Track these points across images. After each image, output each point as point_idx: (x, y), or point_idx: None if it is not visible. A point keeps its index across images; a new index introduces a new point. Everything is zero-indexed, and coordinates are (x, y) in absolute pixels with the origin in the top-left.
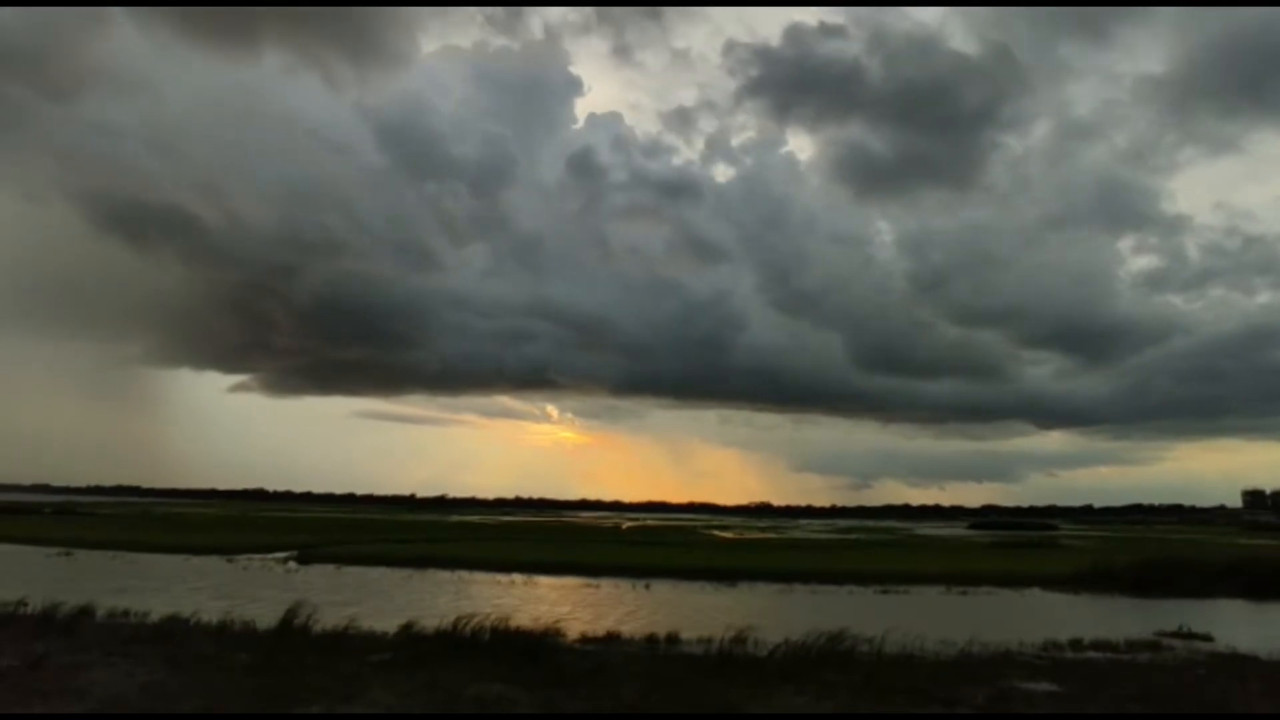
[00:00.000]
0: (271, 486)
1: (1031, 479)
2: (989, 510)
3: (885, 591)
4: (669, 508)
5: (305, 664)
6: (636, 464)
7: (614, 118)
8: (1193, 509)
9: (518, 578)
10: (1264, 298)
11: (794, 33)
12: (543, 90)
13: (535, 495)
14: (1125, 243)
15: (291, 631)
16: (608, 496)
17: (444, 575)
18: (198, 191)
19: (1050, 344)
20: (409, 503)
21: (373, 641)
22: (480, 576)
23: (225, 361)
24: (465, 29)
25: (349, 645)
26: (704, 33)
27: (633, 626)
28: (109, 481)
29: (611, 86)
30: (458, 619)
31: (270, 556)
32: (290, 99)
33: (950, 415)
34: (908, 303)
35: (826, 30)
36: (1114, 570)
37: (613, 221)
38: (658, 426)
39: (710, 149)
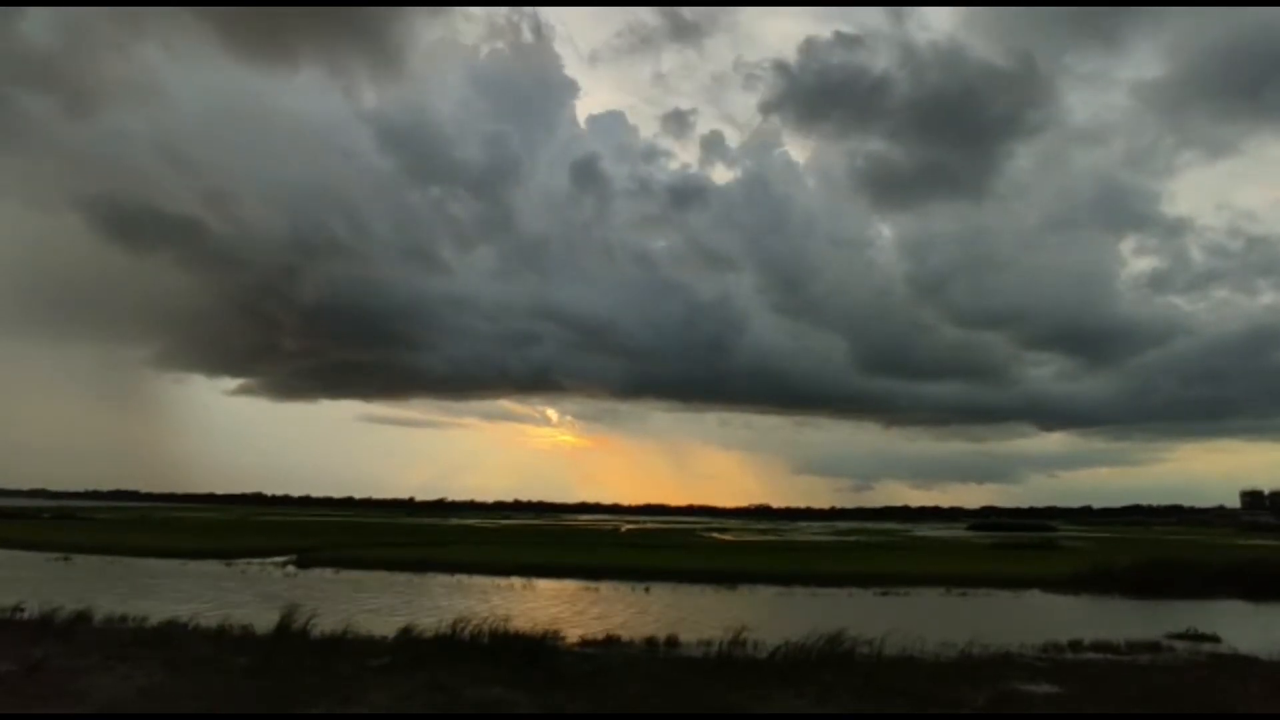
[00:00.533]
0: (270, 490)
1: (1031, 480)
2: (988, 511)
3: (885, 593)
4: (668, 510)
5: (304, 667)
6: (636, 467)
7: (618, 121)
8: (1191, 510)
9: (517, 581)
10: (1267, 299)
11: (807, 46)
12: (545, 91)
13: (534, 498)
14: (1127, 244)
15: (290, 635)
16: (607, 499)
17: (443, 578)
18: (201, 196)
19: (1052, 345)
20: (408, 506)
21: (372, 645)
22: (479, 579)
23: (226, 365)
24: (468, 30)
25: (348, 648)
26: (711, 34)
27: (632, 629)
28: (106, 486)
29: (614, 87)
30: (457, 622)
31: (269, 560)
32: (294, 103)
33: (953, 417)
34: (909, 305)
35: (844, 41)
36: (1114, 571)
37: (616, 224)
38: (658, 429)
39: (713, 152)
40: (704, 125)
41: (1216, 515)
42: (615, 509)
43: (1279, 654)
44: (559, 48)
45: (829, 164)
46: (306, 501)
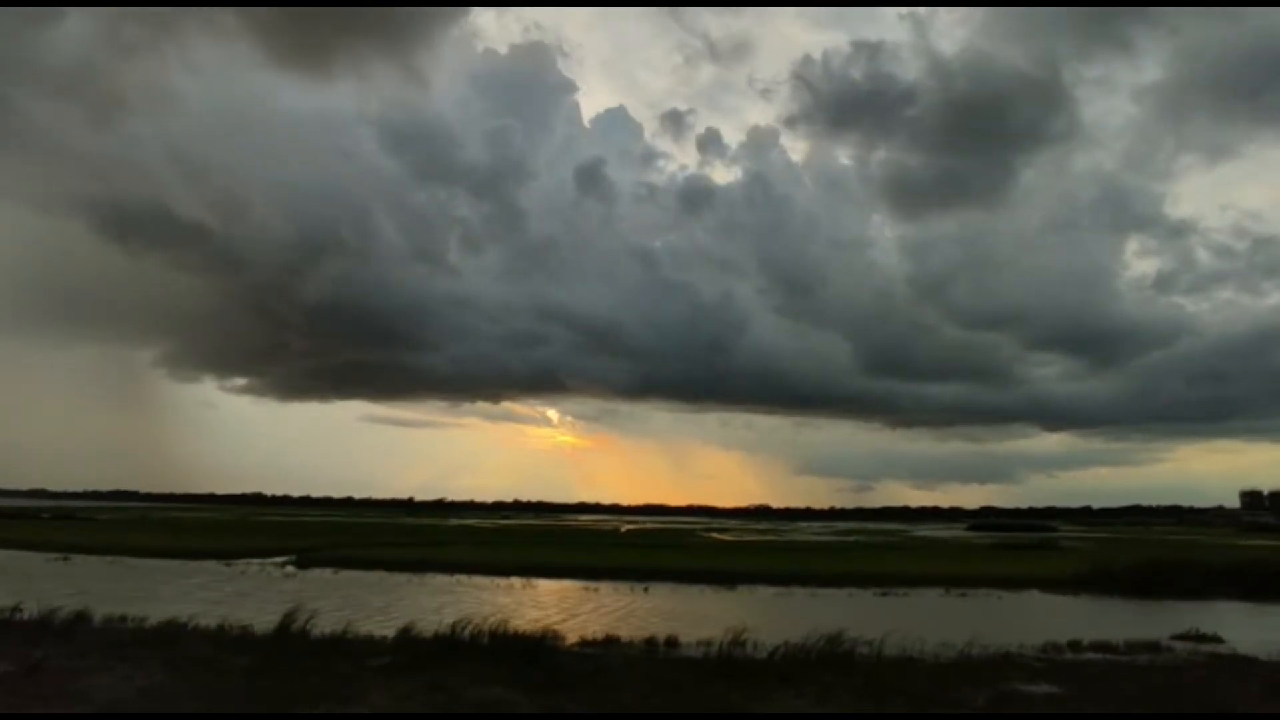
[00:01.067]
0: (270, 490)
1: (1031, 480)
2: (988, 512)
3: (884, 594)
4: (668, 510)
5: (304, 667)
6: (636, 467)
7: (621, 121)
8: (1191, 510)
9: (516, 581)
10: (1273, 299)
11: (823, 56)
12: (547, 92)
13: (534, 498)
14: (1130, 246)
15: (290, 635)
16: (607, 499)
17: (443, 579)
18: (205, 197)
19: (1055, 346)
20: (407, 506)
21: (371, 645)
22: (479, 580)
23: (231, 366)
24: (471, 30)
25: (347, 649)
26: (714, 34)
27: (632, 629)
28: (106, 486)
29: (617, 88)
30: (456, 622)
31: (269, 561)
32: (297, 103)
33: (956, 418)
34: (911, 305)
35: (861, 49)
36: (1113, 571)
37: (619, 225)
38: (658, 429)
39: (714, 153)
40: (702, 125)
41: (1216, 515)
42: (615, 509)
43: (1279, 654)
44: (564, 48)
45: (837, 168)
46: (306, 501)
